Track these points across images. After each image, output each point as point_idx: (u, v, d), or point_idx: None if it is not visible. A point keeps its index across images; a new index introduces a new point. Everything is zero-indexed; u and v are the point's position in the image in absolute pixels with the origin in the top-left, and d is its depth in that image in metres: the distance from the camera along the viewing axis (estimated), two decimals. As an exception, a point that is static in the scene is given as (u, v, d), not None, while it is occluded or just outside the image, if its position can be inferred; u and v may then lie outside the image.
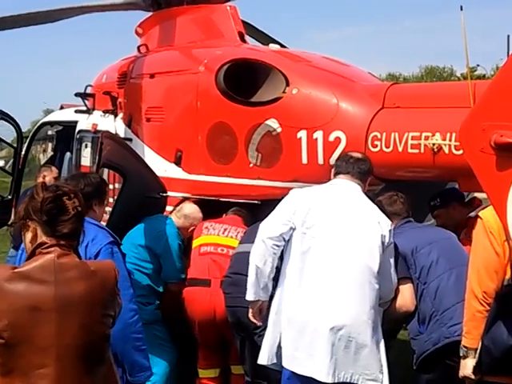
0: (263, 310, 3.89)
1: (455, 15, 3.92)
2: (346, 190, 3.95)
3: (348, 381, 3.66)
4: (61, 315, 2.44)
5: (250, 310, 3.87)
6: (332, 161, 4.57)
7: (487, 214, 3.35)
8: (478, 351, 3.34)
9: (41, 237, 2.52)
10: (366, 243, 3.77)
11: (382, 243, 3.79)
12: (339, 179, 4.01)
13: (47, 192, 2.52)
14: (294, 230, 3.76)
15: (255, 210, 5.06)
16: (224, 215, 5.21)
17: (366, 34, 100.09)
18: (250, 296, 3.83)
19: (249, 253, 3.83)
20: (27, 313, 2.41)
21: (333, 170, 4.10)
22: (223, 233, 4.96)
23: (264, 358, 3.86)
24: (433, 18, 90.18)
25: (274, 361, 3.84)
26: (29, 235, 2.55)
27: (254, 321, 3.90)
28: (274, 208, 3.91)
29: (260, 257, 3.75)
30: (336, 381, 3.63)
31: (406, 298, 3.97)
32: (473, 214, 3.66)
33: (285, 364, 3.76)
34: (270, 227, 3.79)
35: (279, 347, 3.80)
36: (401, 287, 3.98)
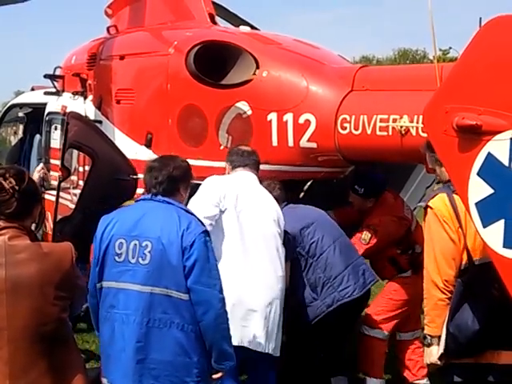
0: None
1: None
2: (251, 180, 4.36)
3: (267, 351, 4.13)
4: (12, 297, 2.44)
5: None
6: (302, 143, 4.63)
7: (437, 203, 3.38)
8: (444, 338, 3.36)
9: None
10: (275, 228, 4.24)
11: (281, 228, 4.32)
12: (241, 171, 4.37)
13: None
14: (222, 212, 4.07)
15: None
16: None
17: (343, 17, 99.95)
18: None
19: None
20: None
21: (228, 165, 4.45)
22: None
23: None
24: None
25: None
26: None
27: None
28: None
29: None
30: (266, 351, 4.11)
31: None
32: (422, 204, 3.71)
33: None
34: (204, 208, 4.00)
35: None
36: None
